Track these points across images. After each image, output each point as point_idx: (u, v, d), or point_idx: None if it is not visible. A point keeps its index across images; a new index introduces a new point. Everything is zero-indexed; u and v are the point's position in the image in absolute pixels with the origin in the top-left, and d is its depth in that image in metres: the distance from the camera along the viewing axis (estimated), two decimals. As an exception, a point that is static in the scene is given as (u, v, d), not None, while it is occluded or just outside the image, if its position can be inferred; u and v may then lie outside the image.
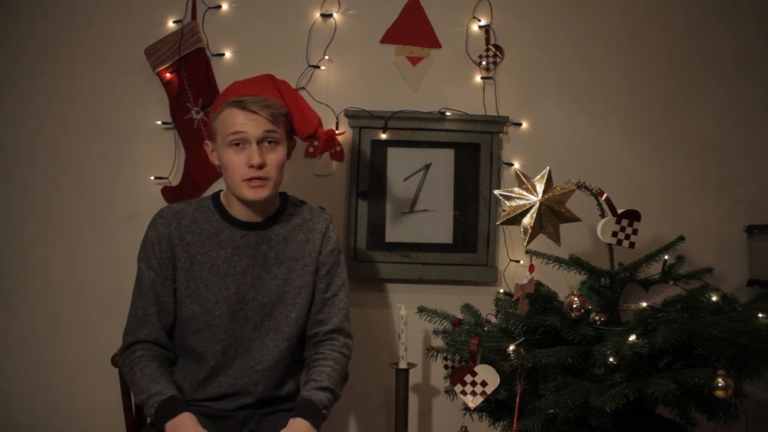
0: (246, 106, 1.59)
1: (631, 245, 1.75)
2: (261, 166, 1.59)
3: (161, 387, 1.52)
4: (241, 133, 1.59)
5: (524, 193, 1.68)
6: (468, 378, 1.66)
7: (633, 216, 1.74)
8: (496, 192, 1.76)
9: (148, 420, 1.63)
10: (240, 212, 1.67)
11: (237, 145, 1.60)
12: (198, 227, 1.66)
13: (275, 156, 1.63)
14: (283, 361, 1.67)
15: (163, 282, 1.62)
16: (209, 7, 2.29)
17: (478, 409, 1.71)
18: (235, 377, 1.63)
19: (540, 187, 1.67)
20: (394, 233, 2.32)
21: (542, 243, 1.72)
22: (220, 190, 1.75)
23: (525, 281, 1.73)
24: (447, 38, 2.34)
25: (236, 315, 1.63)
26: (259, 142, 1.60)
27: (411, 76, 2.33)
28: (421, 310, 1.94)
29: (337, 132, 1.86)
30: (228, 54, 2.29)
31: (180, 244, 1.63)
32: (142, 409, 1.66)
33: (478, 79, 2.34)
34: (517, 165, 2.32)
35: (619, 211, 1.74)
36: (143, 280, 1.63)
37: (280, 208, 1.73)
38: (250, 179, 1.59)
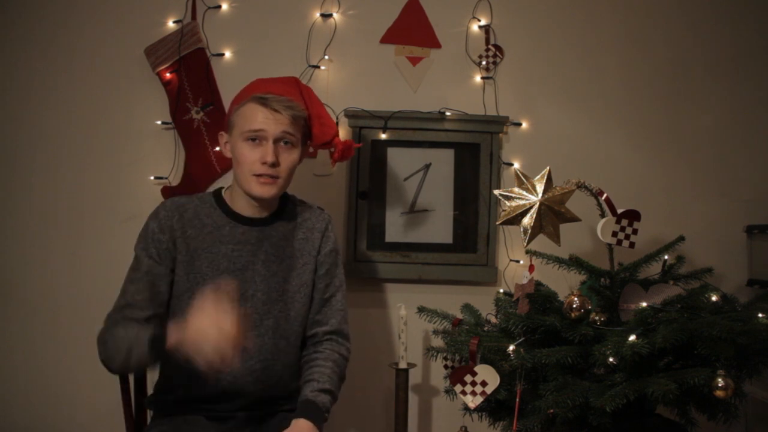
0: (269, 103, 1.61)
1: (631, 245, 1.75)
2: (274, 165, 1.60)
3: (137, 330, 1.49)
4: (261, 130, 1.60)
5: (524, 193, 1.68)
6: (468, 378, 1.66)
7: (633, 216, 1.74)
8: (496, 192, 1.76)
9: (149, 418, 1.64)
10: (243, 207, 1.68)
11: (253, 140, 1.61)
12: (200, 221, 1.66)
13: (289, 157, 1.64)
14: (282, 360, 1.67)
15: (160, 271, 1.61)
16: (209, 7, 2.29)
17: (478, 409, 1.71)
18: (233, 375, 1.62)
19: (540, 187, 1.67)
20: (394, 233, 2.32)
21: (542, 243, 1.72)
22: (221, 187, 1.75)
23: (525, 281, 1.73)
24: (447, 38, 2.34)
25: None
26: (276, 141, 1.61)
27: (411, 76, 2.33)
28: (421, 310, 1.94)
29: (354, 143, 1.86)
30: (228, 54, 2.29)
31: (181, 237, 1.63)
32: (141, 405, 1.66)
33: (478, 79, 2.34)
34: (517, 165, 2.32)
35: (619, 211, 1.74)
36: (141, 266, 1.61)
37: (281, 205, 1.73)
38: (261, 175, 1.60)
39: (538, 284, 1.76)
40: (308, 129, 1.73)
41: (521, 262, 2.32)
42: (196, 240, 1.64)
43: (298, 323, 1.69)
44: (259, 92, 1.64)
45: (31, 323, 2.26)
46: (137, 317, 1.57)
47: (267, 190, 1.62)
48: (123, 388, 1.72)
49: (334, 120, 2.28)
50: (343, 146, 1.80)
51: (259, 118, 1.60)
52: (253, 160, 1.60)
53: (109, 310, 1.62)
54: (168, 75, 2.26)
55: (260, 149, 1.61)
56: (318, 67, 2.30)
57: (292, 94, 1.68)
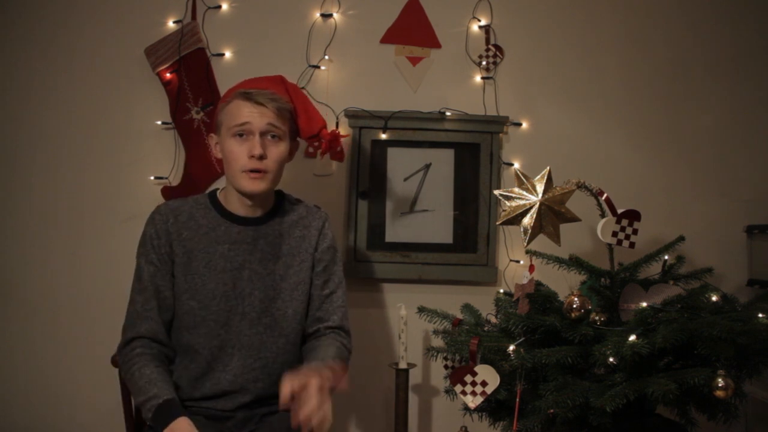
0: (253, 97, 1.61)
1: (631, 245, 1.75)
2: (261, 157, 1.60)
3: (158, 389, 1.51)
4: (246, 124, 1.61)
5: (524, 193, 1.68)
6: (468, 378, 1.66)
7: (633, 216, 1.74)
8: (496, 192, 1.76)
9: (147, 421, 1.64)
10: (237, 207, 1.68)
11: (240, 135, 1.62)
12: (195, 223, 1.66)
13: (277, 150, 1.64)
14: (281, 358, 1.67)
15: (163, 276, 1.63)
16: (209, 7, 2.29)
17: (478, 409, 1.71)
18: (234, 374, 1.63)
19: (540, 187, 1.66)
20: (394, 233, 2.32)
21: (542, 243, 1.72)
22: (217, 188, 1.75)
23: (525, 281, 1.73)
24: (447, 38, 2.34)
25: (233, 311, 1.64)
26: (263, 134, 1.62)
27: (411, 76, 2.33)
28: (421, 310, 1.94)
29: (340, 134, 1.87)
30: (228, 54, 2.29)
31: (177, 240, 1.64)
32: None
33: (478, 79, 2.34)
34: (517, 165, 2.32)
35: (619, 211, 1.74)
36: (143, 275, 1.63)
37: (277, 204, 1.74)
38: (250, 170, 1.61)
39: (538, 284, 1.76)
40: (295, 123, 1.73)
41: (521, 262, 2.32)
42: (192, 241, 1.65)
43: (296, 321, 1.69)
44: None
45: (31, 323, 2.26)
46: (154, 352, 1.60)
47: (257, 185, 1.62)
48: (123, 388, 1.72)
49: (334, 120, 2.28)
50: (330, 137, 1.80)
51: (244, 112, 1.61)
52: (241, 154, 1.61)
53: (124, 322, 1.64)
54: (168, 75, 2.26)
55: (247, 143, 1.61)
56: (318, 67, 2.30)
57: (277, 91, 1.69)
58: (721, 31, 2.38)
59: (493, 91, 2.34)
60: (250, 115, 1.61)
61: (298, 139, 1.78)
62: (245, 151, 1.61)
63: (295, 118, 1.73)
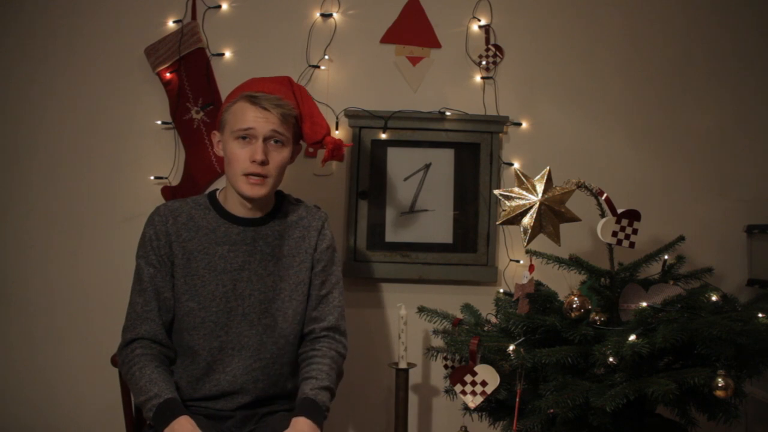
0: (258, 102, 1.61)
1: (631, 245, 1.74)
2: (263, 163, 1.60)
3: (159, 389, 1.52)
4: (250, 129, 1.60)
5: (524, 193, 1.67)
6: (468, 378, 1.66)
7: (633, 216, 1.74)
8: (496, 192, 1.75)
9: (148, 421, 1.64)
10: (237, 208, 1.68)
11: (244, 138, 1.61)
12: (194, 224, 1.66)
13: (279, 156, 1.64)
14: (281, 359, 1.68)
15: (163, 278, 1.63)
16: (209, 7, 2.29)
17: (478, 408, 1.71)
18: (233, 375, 1.63)
19: (540, 187, 1.66)
20: (394, 233, 2.32)
21: (542, 243, 1.71)
22: (216, 189, 1.75)
23: (525, 281, 1.73)
24: (447, 38, 2.34)
25: (233, 312, 1.64)
26: (266, 139, 1.62)
27: (411, 76, 2.33)
28: (421, 310, 1.94)
29: (344, 143, 1.87)
30: (228, 54, 2.29)
31: (177, 241, 1.64)
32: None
33: (478, 79, 2.34)
34: (517, 165, 2.32)
35: (619, 211, 1.74)
36: (143, 276, 1.63)
37: (277, 205, 1.74)
38: (250, 175, 1.60)
39: (538, 284, 1.76)
40: (299, 128, 1.73)
41: (521, 262, 2.32)
42: (192, 242, 1.65)
43: (296, 321, 1.69)
44: (251, 91, 1.64)
45: (31, 323, 2.26)
46: (154, 353, 1.60)
47: (257, 191, 1.62)
48: (123, 388, 1.72)
49: (334, 120, 2.28)
50: (332, 145, 1.80)
51: (249, 116, 1.61)
52: (243, 158, 1.61)
53: (124, 324, 1.64)
54: (168, 75, 2.26)
55: (250, 147, 1.61)
56: (318, 67, 2.30)
57: (284, 93, 1.69)
58: (721, 31, 2.38)
59: (493, 91, 2.34)
60: (255, 120, 1.60)
61: (301, 142, 1.78)
62: (247, 155, 1.61)
63: (300, 123, 1.73)
